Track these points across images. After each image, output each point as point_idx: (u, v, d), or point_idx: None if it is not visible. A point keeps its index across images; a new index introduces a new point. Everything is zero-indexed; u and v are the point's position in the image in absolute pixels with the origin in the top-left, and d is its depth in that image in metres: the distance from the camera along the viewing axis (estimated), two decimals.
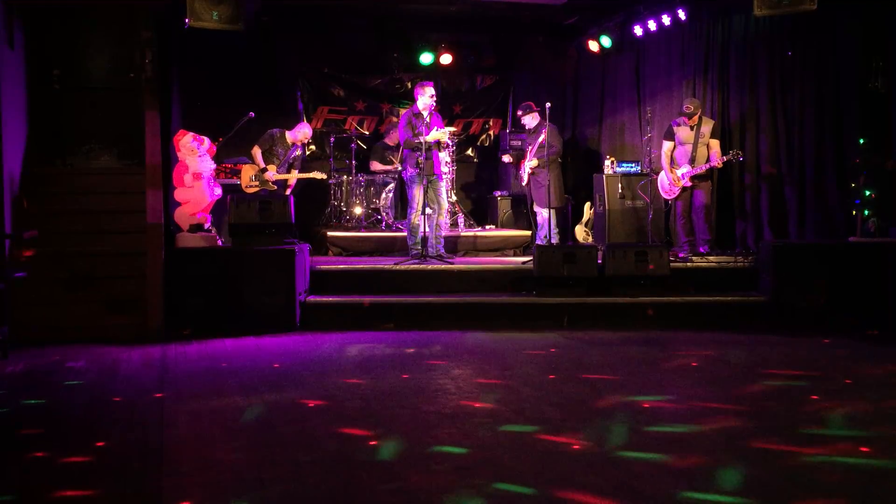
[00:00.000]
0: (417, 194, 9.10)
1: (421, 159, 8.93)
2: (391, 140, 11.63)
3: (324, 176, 10.46)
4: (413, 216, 9.14)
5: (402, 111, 12.34)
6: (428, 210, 9.15)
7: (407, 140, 9.11)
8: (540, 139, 9.76)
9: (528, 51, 12.30)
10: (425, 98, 9.16)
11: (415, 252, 9.13)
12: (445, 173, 9.94)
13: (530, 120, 10.02)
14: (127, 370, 6.44)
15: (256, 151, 9.95)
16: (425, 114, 9.13)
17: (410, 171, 9.12)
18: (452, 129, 9.16)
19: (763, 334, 7.78)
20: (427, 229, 9.19)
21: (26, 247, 7.59)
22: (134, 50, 8.95)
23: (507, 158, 10.21)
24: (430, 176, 9.05)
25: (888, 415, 5.05)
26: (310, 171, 10.31)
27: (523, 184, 10.22)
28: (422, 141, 8.93)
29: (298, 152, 10.18)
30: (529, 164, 9.91)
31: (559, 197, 10.03)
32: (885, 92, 8.89)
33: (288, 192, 9.89)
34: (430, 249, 9.16)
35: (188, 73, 10.47)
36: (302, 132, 10.12)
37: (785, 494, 3.70)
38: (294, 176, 10.08)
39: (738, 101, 9.96)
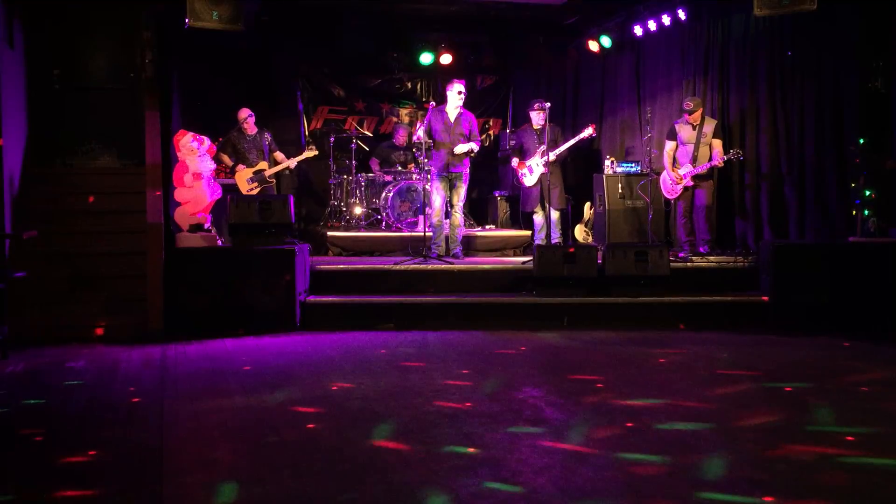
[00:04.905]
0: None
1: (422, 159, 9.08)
2: (398, 140, 11.62)
3: (316, 152, 10.49)
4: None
5: (403, 110, 12.43)
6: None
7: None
8: (574, 140, 9.89)
9: (528, 51, 12.29)
10: (453, 95, 9.35)
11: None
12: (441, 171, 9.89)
13: (538, 118, 9.92)
14: (127, 370, 6.44)
15: (223, 156, 9.96)
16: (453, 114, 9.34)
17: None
18: (473, 146, 9.34)
19: (763, 334, 7.79)
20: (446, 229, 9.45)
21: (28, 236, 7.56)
22: (134, 50, 8.96)
23: (515, 162, 10.15)
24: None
25: (888, 414, 5.06)
26: (299, 155, 10.33)
27: (529, 184, 10.02)
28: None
29: (268, 137, 10.17)
30: (543, 160, 9.68)
31: (564, 198, 10.10)
32: (885, 92, 8.88)
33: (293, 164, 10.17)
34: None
35: (188, 73, 10.49)
36: (242, 116, 9.95)
37: (786, 494, 3.71)
38: (291, 162, 10.11)
39: (738, 100, 9.95)
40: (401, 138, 11.60)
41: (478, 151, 9.54)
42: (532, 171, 9.94)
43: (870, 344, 7.42)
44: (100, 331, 7.64)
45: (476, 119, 9.70)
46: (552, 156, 9.69)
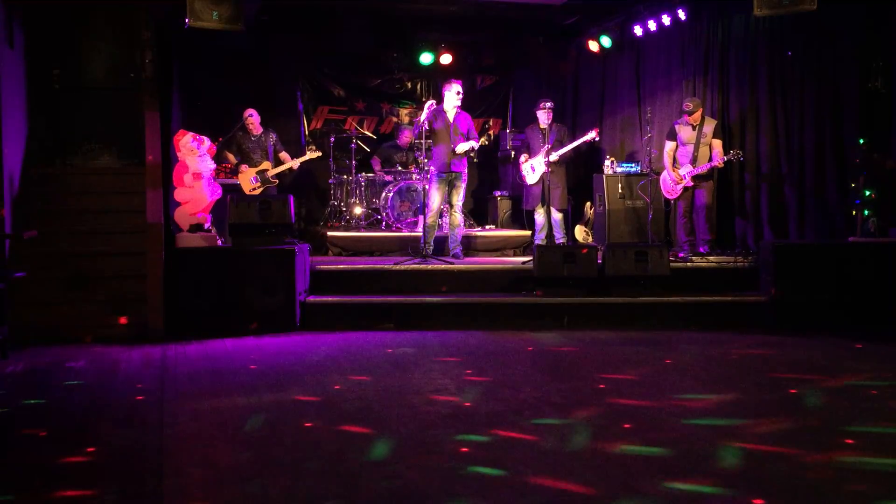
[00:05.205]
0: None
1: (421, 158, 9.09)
2: (402, 141, 11.62)
3: (319, 153, 10.50)
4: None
5: (403, 110, 12.43)
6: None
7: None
8: (577, 142, 9.91)
9: (528, 51, 12.30)
10: (451, 95, 9.34)
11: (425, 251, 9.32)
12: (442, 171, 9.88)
13: (544, 117, 9.91)
14: (127, 370, 6.44)
15: (227, 154, 9.97)
16: (451, 113, 9.35)
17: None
18: (474, 143, 9.36)
19: (763, 334, 7.79)
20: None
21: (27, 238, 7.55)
22: (134, 50, 8.94)
23: (523, 158, 10.20)
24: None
25: (888, 415, 5.05)
26: (301, 156, 10.33)
27: (531, 182, 10.03)
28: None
29: (273, 137, 10.18)
30: (545, 160, 9.66)
31: (566, 199, 10.13)
32: (885, 92, 8.88)
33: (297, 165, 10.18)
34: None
35: (188, 72, 10.49)
36: (245, 116, 10.03)
37: (786, 494, 3.71)
38: (295, 163, 10.12)
39: (738, 101, 9.96)
40: (405, 139, 11.60)
41: (477, 151, 9.57)
42: (535, 169, 9.95)
43: (870, 344, 7.41)
44: (99, 331, 7.63)
45: (475, 119, 9.74)
46: (554, 156, 9.71)
